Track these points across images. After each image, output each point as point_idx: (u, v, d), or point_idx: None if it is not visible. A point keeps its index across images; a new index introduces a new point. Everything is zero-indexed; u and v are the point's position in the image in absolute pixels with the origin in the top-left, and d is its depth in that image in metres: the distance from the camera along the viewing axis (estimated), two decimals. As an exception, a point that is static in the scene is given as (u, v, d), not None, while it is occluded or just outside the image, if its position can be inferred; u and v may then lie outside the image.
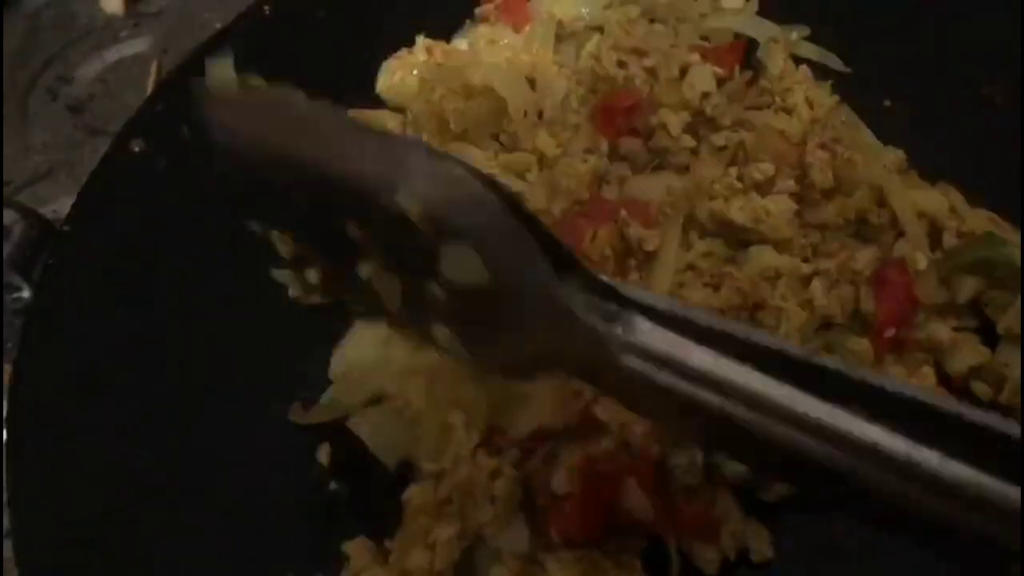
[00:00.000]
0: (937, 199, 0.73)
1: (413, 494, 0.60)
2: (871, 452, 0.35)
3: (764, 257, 0.68)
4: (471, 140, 0.75)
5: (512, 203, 0.39)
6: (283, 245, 0.48)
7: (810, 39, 0.84)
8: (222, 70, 0.49)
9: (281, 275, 0.63)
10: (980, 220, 0.71)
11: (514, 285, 0.40)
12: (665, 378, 0.39)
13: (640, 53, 0.80)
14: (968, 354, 0.67)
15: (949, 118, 0.76)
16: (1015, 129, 0.74)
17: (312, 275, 0.48)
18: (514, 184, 0.74)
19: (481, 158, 0.74)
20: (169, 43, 1.04)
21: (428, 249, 0.39)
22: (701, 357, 0.38)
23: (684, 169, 0.74)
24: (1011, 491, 0.33)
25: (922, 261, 0.68)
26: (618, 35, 0.81)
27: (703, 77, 0.77)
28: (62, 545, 0.59)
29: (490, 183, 0.39)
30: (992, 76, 0.78)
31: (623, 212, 0.70)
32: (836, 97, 0.79)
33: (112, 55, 1.04)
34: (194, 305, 0.71)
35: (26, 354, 0.65)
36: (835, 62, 0.82)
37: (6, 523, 0.66)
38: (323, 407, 0.68)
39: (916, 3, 0.83)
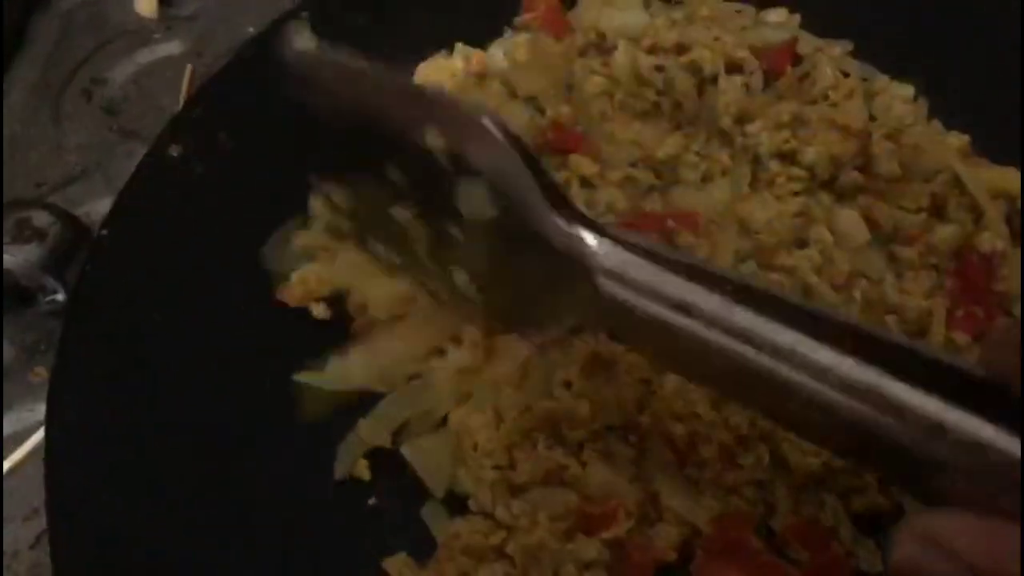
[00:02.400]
0: (1012, 177, 0.72)
1: (461, 529, 0.58)
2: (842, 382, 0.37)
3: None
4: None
5: (518, 144, 0.45)
6: (328, 196, 0.57)
7: (853, 55, 0.83)
8: (303, 38, 0.56)
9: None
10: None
11: (516, 218, 0.45)
12: (645, 305, 0.42)
13: (682, 50, 0.79)
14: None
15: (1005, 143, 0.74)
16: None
17: (344, 223, 0.57)
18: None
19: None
20: (203, 46, 1.03)
21: (449, 187, 0.46)
22: (677, 285, 0.42)
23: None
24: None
25: (1000, 242, 0.67)
26: (661, 33, 0.80)
27: (732, 87, 0.76)
28: (100, 554, 0.58)
29: (501, 127, 0.45)
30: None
31: (670, 222, 0.69)
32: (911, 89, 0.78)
33: (145, 57, 1.03)
34: (232, 310, 0.70)
35: (64, 359, 0.65)
36: (880, 78, 0.81)
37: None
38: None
39: (959, 19, 0.82)
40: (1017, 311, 0.68)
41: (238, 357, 0.68)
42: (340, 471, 0.64)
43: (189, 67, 1.01)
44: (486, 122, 0.45)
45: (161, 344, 0.68)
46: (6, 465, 0.72)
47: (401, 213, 0.51)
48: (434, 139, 0.46)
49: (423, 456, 0.61)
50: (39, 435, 0.72)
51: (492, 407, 0.62)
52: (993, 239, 0.68)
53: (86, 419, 0.63)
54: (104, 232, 0.71)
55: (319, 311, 0.69)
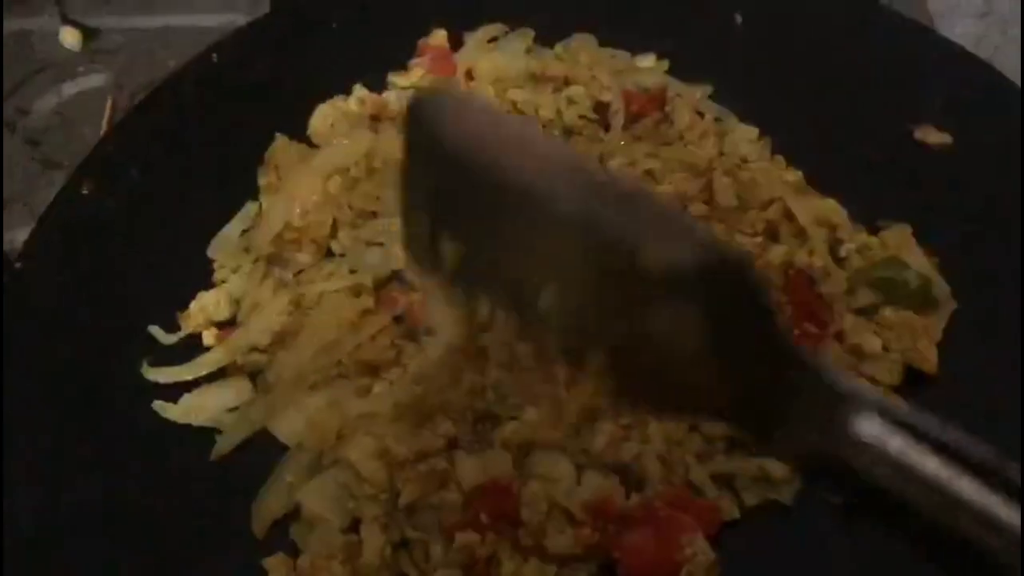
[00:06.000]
0: (833, 208, 0.82)
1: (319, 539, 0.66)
2: None
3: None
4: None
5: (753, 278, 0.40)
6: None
7: (713, 97, 0.92)
8: None
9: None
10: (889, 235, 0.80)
11: (738, 359, 0.40)
12: (888, 479, 0.39)
13: (566, 82, 0.90)
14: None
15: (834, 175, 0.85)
16: (888, 182, 0.84)
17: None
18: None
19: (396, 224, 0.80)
20: (125, 79, 1.09)
21: (629, 298, 0.40)
22: (934, 466, 0.38)
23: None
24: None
25: (819, 259, 0.76)
26: (545, 64, 0.90)
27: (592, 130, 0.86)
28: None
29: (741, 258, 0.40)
30: (869, 139, 0.87)
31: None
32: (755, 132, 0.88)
33: (70, 89, 1.09)
34: (141, 339, 0.77)
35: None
36: (731, 119, 0.91)
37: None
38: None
39: (809, 73, 0.92)
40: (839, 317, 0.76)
41: (145, 381, 0.75)
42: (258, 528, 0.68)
43: (110, 100, 1.07)
44: (732, 252, 0.40)
45: (73, 367, 0.74)
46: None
47: (545, 299, 0.43)
48: (654, 259, 0.38)
49: (320, 497, 0.67)
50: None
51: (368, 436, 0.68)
52: (815, 259, 0.77)
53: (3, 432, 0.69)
54: (19, 265, 0.78)
55: (209, 338, 0.77)
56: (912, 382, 0.75)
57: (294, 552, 0.66)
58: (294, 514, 0.68)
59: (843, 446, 0.39)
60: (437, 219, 0.47)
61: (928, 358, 0.74)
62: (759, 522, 0.68)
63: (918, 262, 0.78)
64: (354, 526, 0.67)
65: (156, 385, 0.74)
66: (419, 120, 0.46)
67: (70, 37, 1.12)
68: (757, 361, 0.41)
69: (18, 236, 0.93)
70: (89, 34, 1.13)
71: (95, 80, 1.10)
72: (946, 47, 0.94)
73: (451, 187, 0.45)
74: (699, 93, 0.92)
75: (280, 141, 0.87)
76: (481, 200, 0.44)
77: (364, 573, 0.63)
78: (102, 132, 1.02)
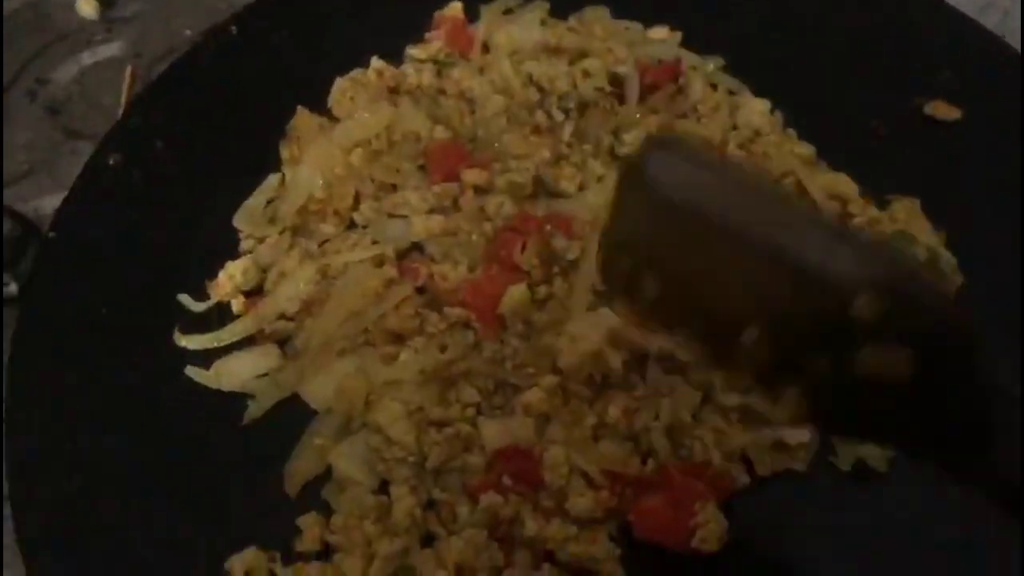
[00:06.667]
0: (845, 182, 0.84)
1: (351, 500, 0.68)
2: None
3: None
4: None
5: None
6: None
7: (725, 70, 0.94)
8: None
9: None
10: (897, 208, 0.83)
11: (941, 396, 0.43)
12: None
13: (580, 55, 0.91)
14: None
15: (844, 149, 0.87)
16: (897, 157, 0.87)
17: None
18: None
19: (416, 197, 0.82)
20: (142, 48, 1.10)
21: (841, 339, 0.42)
22: None
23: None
24: None
25: None
26: (560, 36, 0.91)
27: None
28: (54, 514, 0.68)
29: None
30: (878, 113, 0.89)
31: (548, 226, 0.80)
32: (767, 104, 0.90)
33: (87, 58, 1.10)
34: (168, 307, 0.80)
35: (19, 350, 0.74)
36: (744, 93, 0.92)
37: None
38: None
39: (819, 46, 0.94)
40: None
41: (174, 348, 0.77)
42: (291, 488, 0.71)
43: (129, 69, 1.08)
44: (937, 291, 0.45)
45: (106, 334, 0.77)
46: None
47: (748, 335, 0.45)
48: (867, 309, 0.41)
49: (351, 460, 0.70)
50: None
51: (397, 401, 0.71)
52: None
53: (41, 397, 0.73)
54: (52, 235, 0.80)
55: (238, 306, 0.79)
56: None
57: (326, 511, 0.69)
58: (325, 475, 0.71)
59: None
60: (641, 257, 0.49)
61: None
62: (772, 489, 0.71)
63: (926, 236, 0.80)
64: (383, 487, 0.70)
65: (187, 352, 0.77)
66: (645, 173, 0.47)
67: (86, 6, 1.13)
68: (963, 399, 0.43)
69: (45, 204, 0.96)
70: (105, 3, 1.14)
71: (113, 49, 1.11)
72: (955, 18, 0.95)
73: (664, 232, 0.47)
74: (711, 65, 0.94)
75: (302, 113, 0.89)
76: (694, 247, 0.46)
77: (395, 532, 0.66)
78: (122, 101, 1.04)
